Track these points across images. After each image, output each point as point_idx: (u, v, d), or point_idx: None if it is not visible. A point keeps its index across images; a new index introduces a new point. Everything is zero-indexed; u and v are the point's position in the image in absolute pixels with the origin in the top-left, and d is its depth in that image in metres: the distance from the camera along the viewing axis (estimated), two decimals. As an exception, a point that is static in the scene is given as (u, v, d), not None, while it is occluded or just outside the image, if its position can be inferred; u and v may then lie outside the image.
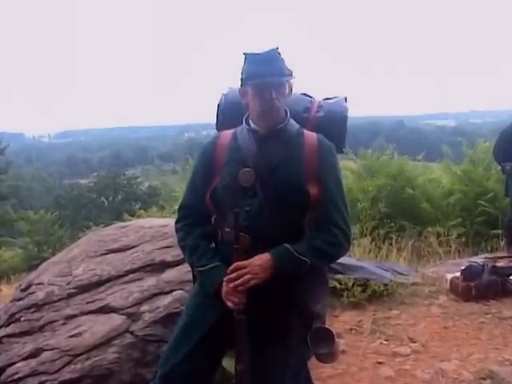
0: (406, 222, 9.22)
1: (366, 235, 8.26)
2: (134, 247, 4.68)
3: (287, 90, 2.52)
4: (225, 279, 2.39)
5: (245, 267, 2.36)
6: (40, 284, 4.53)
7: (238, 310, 2.38)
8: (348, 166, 11.32)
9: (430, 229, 8.73)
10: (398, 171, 10.12)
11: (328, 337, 2.42)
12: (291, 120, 2.58)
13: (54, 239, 23.24)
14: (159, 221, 5.38)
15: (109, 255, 4.68)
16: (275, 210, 2.43)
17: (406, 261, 7.50)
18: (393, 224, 8.90)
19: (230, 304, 2.38)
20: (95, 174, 61.79)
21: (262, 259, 2.38)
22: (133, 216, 15.06)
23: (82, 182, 57.92)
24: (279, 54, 2.48)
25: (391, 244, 8.07)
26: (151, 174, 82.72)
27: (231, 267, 2.39)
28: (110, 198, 47.13)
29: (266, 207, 2.43)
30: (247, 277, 2.34)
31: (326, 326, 2.50)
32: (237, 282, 2.35)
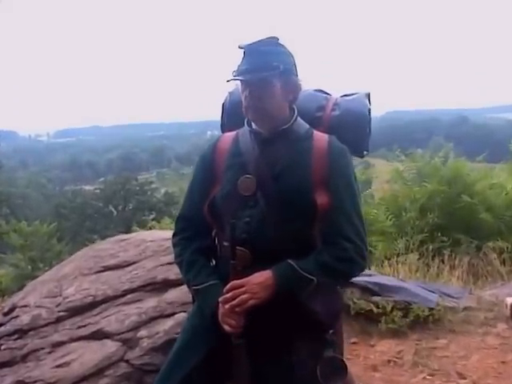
0: (462, 235, 9.04)
1: (412, 251, 8.20)
2: (133, 263, 4.77)
3: (279, 86, 2.54)
4: (220, 299, 2.44)
5: (242, 286, 2.40)
6: (25, 306, 4.62)
7: (235, 334, 2.43)
8: (398, 170, 11.25)
9: (490, 244, 8.56)
10: (453, 175, 9.95)
11: (341, 368, 2.45)
12: (299, 120, 2.64)
13: (51, 255, 23.08)
14: (163, 233, 5.43)
15: (105, 273, 4.77)
16: (279, 221, 2.47)
17: (461, 281, 7.41)
18: (445, 238, 8.76)
19: (226, 327, 2.43)
20: (102, 179, 62.46)
21: (261, 277, 2.42)
22: (143, 228, 15.13)
23: (87, 188, 58.54)
24: (270, 44, 2.52)
25: (443, 261, 7.93)
26: (168, 179, 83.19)
27: (227, 286, 2.43)
28: (120, 207, 47.38)
29: (268, 218, 2.48)
30: (244, 297, 2.38)
31: (338, 355, 2.53)
32: (233, 303, 2.39)
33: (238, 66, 2.54)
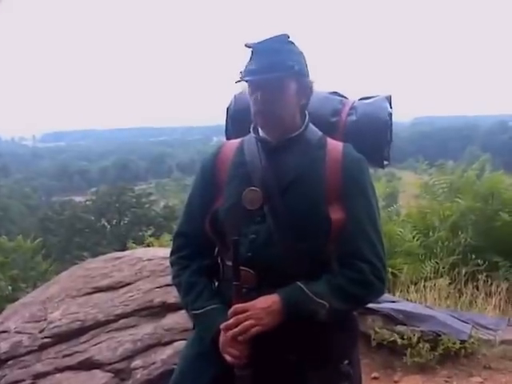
0: (499, 258, 8.92)
1: (442, 275, 8.14)
2: (127, 285, 4.79)
3: (293, 88, 2.55)
4: (222, 326, 2.43)
5: (246, 311, 2.40)
6: (4, 332, 4.64)
7: (239, 365, 2.42)
8: (428, 184, 11.17)
9: (532, 268, 8.56)
10: (489, 190, 9.87)
11: None
12: (311, 126, 2.65)
13: (35, 274, 22.98)
14: (161, 251, 5.45)
15: (95, 295, 4.78)
16: (288, 239, 2.48)
17: (498, 310, 7.36)
18: (480, 261, 8.58)
19: (228, 358, 2.43)
20: (94, 189, 62.50)
21: (267, 301, 2.42)
22: (140, 244, 15.12)
23: (77, 199, 58.41)
24: (283, 42, 2.53)
25: (477, 287, 7.87)
26: (168, 190, 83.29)
27: (230, 311, 2.43)
28: (114, 222, 47.35)
29: (276, 236, 2.49)
30: (247, 323, 2.38)
31: None
32: (235, 330, 2.39)
33: (246, 65, 2.54)
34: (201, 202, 2.69)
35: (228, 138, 2.92)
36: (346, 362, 2.54)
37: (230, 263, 2.52)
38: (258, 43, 2.50)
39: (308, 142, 2.61)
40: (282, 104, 2.53)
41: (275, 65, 2.47)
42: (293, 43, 2.56)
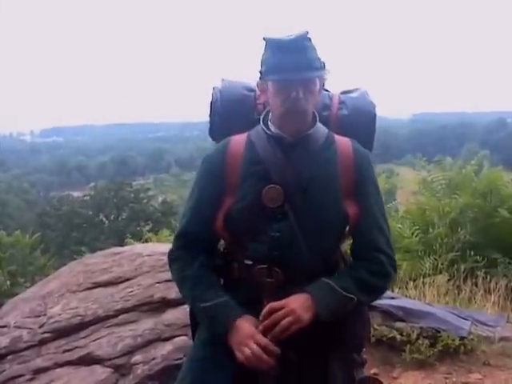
0: (498, 254, 8.97)
1: (441, 271, 8.14)
2: (127, 280, 4.78)
3: (318, 87, 2.57)
4: (260, 328, 2.40)
5: (281, 308, 2.38)
6: (4, 327, 4.63)
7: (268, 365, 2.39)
8: (426, 180, 11.13)
9: (531, 264, 8.55)
10: (487, 187, 9.89)
11: None
12: (318, 124, 2.65)
13: (33, 269, 22.93)
14: (161, 247, 5.46)
15: (95, 290, 4.78)
16: (311, 236, 2.49)
17: (497, 307, 7.32)
18: (479, 257, 8.61)
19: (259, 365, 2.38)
20: (92, 184, 62.34)
21: (300, 298, 2.42)
22: (138, 240, 15.06)
23: (75, 194, 58.28)
24: (309, 40, 2.52)
25: (476, 284, 7.85)
26: (166, 186, 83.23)
27: (265, 310, 2.40)
28: (112, 217, 47.17)
29: (299, 233, 2.49)
30: (286, 322, 2.36)
31: (371, 375, 2.59)
32: (276, 330, 2.36)
33: (269, 62, 2.52)
34: (209, 200, 2.64)
35: (213, 138, 2.89)
36: (364, 350, 2.62)
37: (249, 262, 2.54)
38: (289, 39, 2.46)
39: (318, 138, 2.62)
40: (312, 103, 2.55)
41: (312, 62, 2.48)
42: (311, 40, 2.54)
